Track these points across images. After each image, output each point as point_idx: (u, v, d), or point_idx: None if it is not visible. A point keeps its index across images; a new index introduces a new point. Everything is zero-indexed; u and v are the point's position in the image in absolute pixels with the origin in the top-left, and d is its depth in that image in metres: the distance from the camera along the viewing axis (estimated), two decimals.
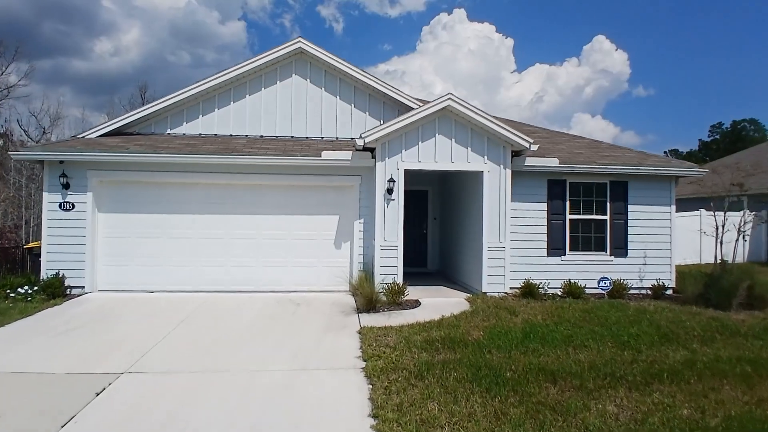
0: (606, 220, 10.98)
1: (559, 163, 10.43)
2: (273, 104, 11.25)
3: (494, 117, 9.71)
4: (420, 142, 9.80)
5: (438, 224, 14.10)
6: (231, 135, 11.17)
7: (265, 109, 11.25)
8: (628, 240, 11.01)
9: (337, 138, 11.36)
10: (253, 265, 10.24)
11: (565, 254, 10.76)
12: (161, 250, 10.13)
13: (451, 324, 7.39)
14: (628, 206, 11.04)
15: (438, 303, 9.15)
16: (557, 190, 10.76)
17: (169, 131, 11.12)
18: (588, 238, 10.96)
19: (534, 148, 9.74)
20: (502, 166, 9.98)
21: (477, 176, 10.19)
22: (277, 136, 11.25)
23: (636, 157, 11.54)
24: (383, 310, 8.49)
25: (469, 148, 9.91)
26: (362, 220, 10.21)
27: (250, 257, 10.24)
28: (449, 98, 9.55)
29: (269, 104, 11.25)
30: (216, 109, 11.15)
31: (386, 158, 9.72)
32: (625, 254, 10.99)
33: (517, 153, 10.12)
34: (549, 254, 10.68)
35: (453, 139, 9.88)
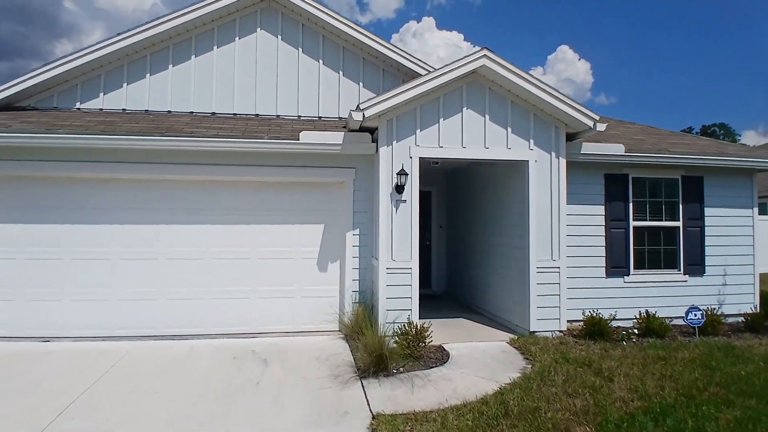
0: (678, 227, 8.31)
1: (626, 151, 7.69)
2: (230, 69, 8.12)
3: (544, 82, 6.87)
4: (441, 119, 6.87)
5: (445, 234, 11.19)
6: (170, 111, 7.98)
7: (220, 77, 8.11)
8: (705, 253, 8.37)
9: (319, 117, 8.32)
10: (200, 296, 7.07)
11: (629, 274, 8.01)
12: (61, 277, 6.85)
13: (522, 406, 4.45)
14: (705, 209, 8.40)
15: (474, 353, 6.22)
16: (617, 188, 8.02)
17: (79, 105, 7.84)
18: (656, 253, 8.25)
19: (600, 127, 6.95)
20: (553, 154, 7.15)
21: (517, 168, 7.34)
22: (235, 114, 8.12)
23: (712, 145, 8.95)
24: (399, 371, 5.50)
25: (509, 129, 7.04)
26: (357, 231, 7.20)
27: (196, 286, 7.06)
28: (484, 55, 6.66)
29: (225, 70, 8.12)
30: (148, 75, 7.94)
31: (394, 142, 6.74)
32: (701, 272, 8.33)
33: (570, 137, 7.33)
34: (609, 274, 7.91)
35: (487, 116, 6.99)
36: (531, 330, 6.93)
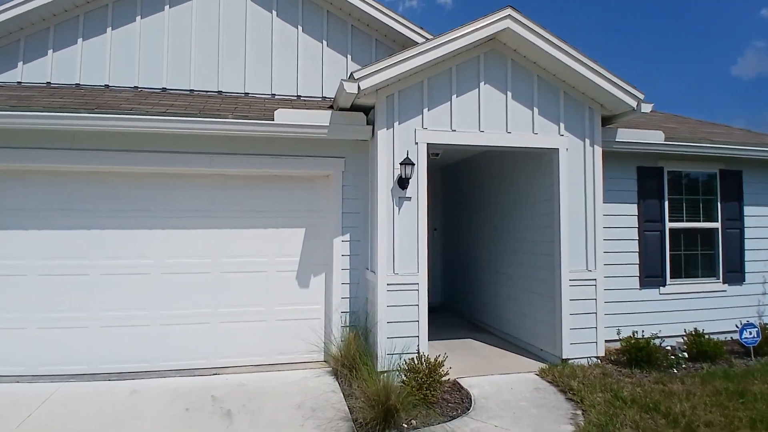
0: (716, 229, 7.19)
1: (665, 139, 6.50)
2: (185, 36, 6.55)
3: (578, 51, 5.58)
4: (454, 96, 5.49)
5: (440, 238, 9.84)
6: (107, 86, 6.35)
7: (172, 45, 6.52)
8: (745, 258, 7.28)
9: (298, 96, 6.83)
10: (145, 322, 5.48)
11: (665, 284, 6.83)
12: None
13: None
14: (744, 207, 7.31)
15: (501, 392, 4.87)
16: (651, 183, 6.83)
17: None
18: (693, 259, 7.11)
19: (646, 108, 5.71)
20: (587, 142, 5.88)
21: (541, 159, 6.04)
22: (193, 91, 6.56)
23: (749, 135, 7.88)
24: (410, 424, 4.10)
25: (535, 110, 5.72)
26: (347, 237, 5.76)
27: (141, 309, 5.47)
28: (508, 15, 5.32)
29: (179, 36, 6.54)
30: (80, 40, 6.29)
31: (395, 123, 5.33)
32: (741, 280, 7.24)
33: (604, 120, 6.07)
34: (643, 284, 6.72)
35: (509, 93, 5.65)
36: (563, 357, 5.63)
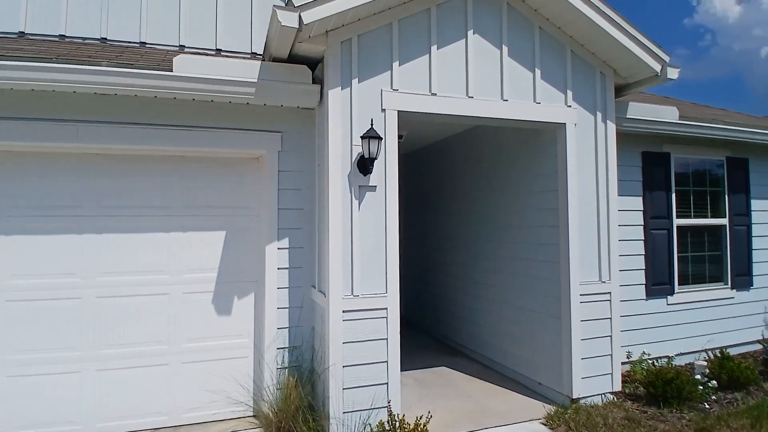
0: (724, 226, 6.17)
1: (680, 118, 5.35)
2: None
3: None
4: (434, 48, 3.98)
5: (402, 239, 8.35)
6: None
7: None
8: (753, 259, 6.33)
9: (218, 51, 5.08)
10: None
11: (673, 292, 5.71)
12: None
13: None
14: (751, 200, 6.35)
15: None
16: (658, 172, 5.68)
17: None
18: (700, 261, 6.05)
19: (672, 74, 4.47)
20: (599, 116, 4.57)
21: (542, 138, 4.69)
22: (64, 36, 4.65)
23: (751, 119, 6.95)
24: None
25: (538, 72, 4.33)
26: (286, 243, 4.14)
27: None
28: None
29: None
30: None
31: (354, 81, 3.74)
32: (749, 284, 6.28)
33: (615, 92, 4.80)
34: (649, 294, 5.55)
35: (504, 48, 4.22)
36: (573, 396, 4.29)
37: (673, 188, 5.76)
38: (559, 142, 4.45)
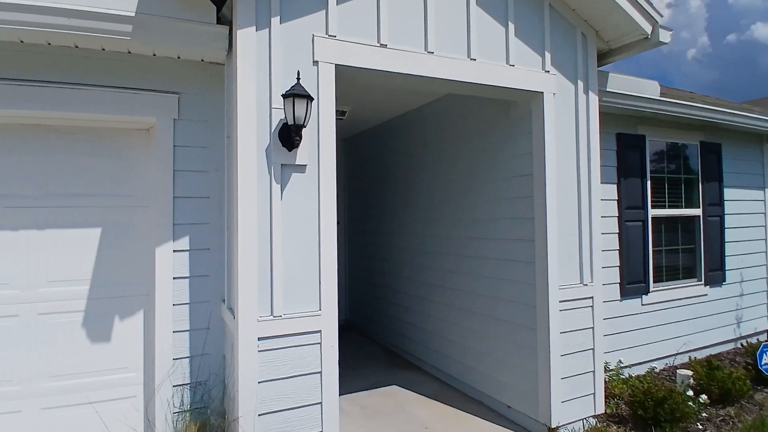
0: (698, 217, 5.66)
1: (661, 94, 4.71)
2: None
3: None
4: None
5: (345, 233, 7.41)
6: None
7: None
8: (726, 252, 5.87)
9: None
10: None
11: (647, 291, 5.12)
12: None
13: None
14: (724, 189, 5.89)
15: None
16: (633, 156, 5.05)
17: None
18: (673, 256, 5.51)
19: (664, 37, 3.75)
20: (580, 86, 3.80)
21: (515, 111, 3.87)
22: None
23: (727, 103, 6.48)
24: None
25: (512, 27, 3.47)
26: (185, 243, 3.08)
27: None
28: None
29: None
30: None
31: (274, 19, 2.72)
32: (721, 280, 5.82)
33: (597, 59, 4.04)
34: (624, 293, 4.91)
35: None
36: (552, 425, 3.52)
37: (648, 175, 5.15)
38: (535, 115, 3.64)
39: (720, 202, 5.82)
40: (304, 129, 2.65)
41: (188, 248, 3.09)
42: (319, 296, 2.74)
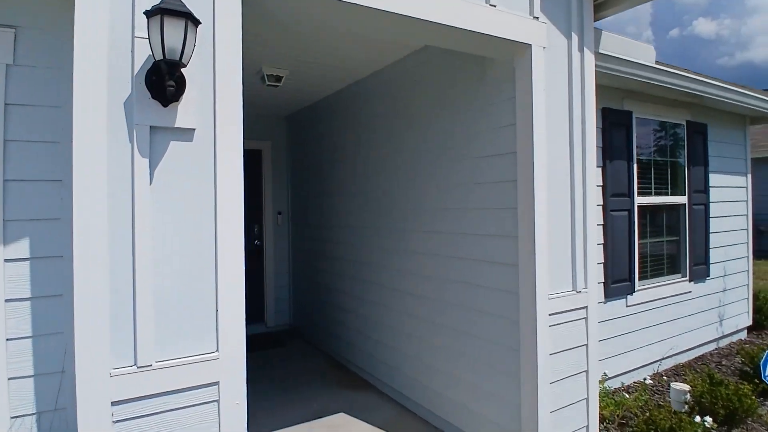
0: (683, 205, 5.08)
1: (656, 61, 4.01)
2: None
3: None
4: None
5: (290, 227, 6.44)
6: None
7: None
8: (710, 244, 5.34)
9: None
10: None
11: (633, 291, 4.47)
12: None
13: None
14: (709, 175, 5.34)
15: None
16: (619, 136, 4.36)
17: None
18: (657, 249, 4.91)
19: None
20: (574, 41, 2.99)
21: (494, 70, 3.03)
22: None
23: (709, 77, 5.93)
24: None
25: None
26: (23, 247, 2.06)
27: None
28: None
29: None
30: None
31: None
32: (705, 274, 5.29)
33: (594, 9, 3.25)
34: (608, 294, 4.23)
35: None
36: None
37: (635, 157, 4.48)
38: (520, 76, 2.82)
39: (705, 189, 5.26)
40: (186, 71, 1.69)
41: (28, 256, 2.08)
42: (217, 330, 1.81)
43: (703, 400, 3.58)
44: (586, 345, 3.03)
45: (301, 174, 6.04)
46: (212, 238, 1.81)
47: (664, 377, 4.62)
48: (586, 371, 3.02)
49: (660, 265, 4.88)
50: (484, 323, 3.08)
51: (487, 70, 3.06)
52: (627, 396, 3.86)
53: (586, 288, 3.01)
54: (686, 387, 3.78)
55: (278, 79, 4.06)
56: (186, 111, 1.77)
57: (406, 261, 3.90)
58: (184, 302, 1.76)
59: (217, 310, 1.80)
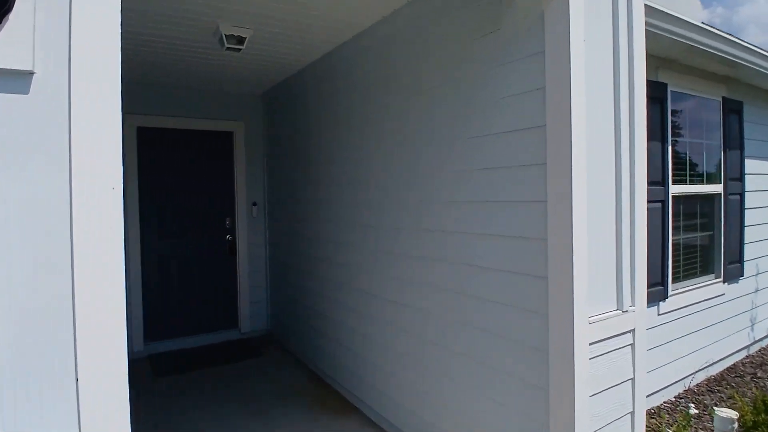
0: (718, 195, 4.39)
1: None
2: None
3: None
4: None
5: (266, 219, 5.68)
6: None
7: None
8: (744, 239, 4.67)
9: None
10: None
11: (666, 296, 3.79)
12: None
13: None
14: (744, 160, 4.65)
15: None
16: (653, 112, 3.61)
17: None
18: (690, 246, 4.23)
19: None
20: None
21: (513, 18, 2.28)
22: None
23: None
24: None
25: None
26: None
27: None
28: None
29: None
30: None
31: None
32: (739, 274, 4.64)
33: None
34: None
35: None
36: None
37: (669, 138, 3.77)
38: (551, 21, 2.07)
39: (741, 177, 4.59)
40: None
41: None
42: (78, 399, 1.08)
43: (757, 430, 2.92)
44: (633, 379, 2.34)
45: (280, 159, 5.28)
46: (66, 245, 1.07)
47: (697, 394, 4.00)
48: (632, 412, 2.33)
49: (692, 265, 4.22)
50: (500, 351, 2.37)
51: (504, 17, 2.31)
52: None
53: (633, 306, 2.30)
54: (733, 414, 3.12)
55: (240, 40, 3.29)
56: (13, 42, 1.01)
57: (398, 265, 3.17)
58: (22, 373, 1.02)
59: (76, 362, 1.07)
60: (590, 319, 2.10)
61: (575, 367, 2.03)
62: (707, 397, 3.98)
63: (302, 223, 4.67)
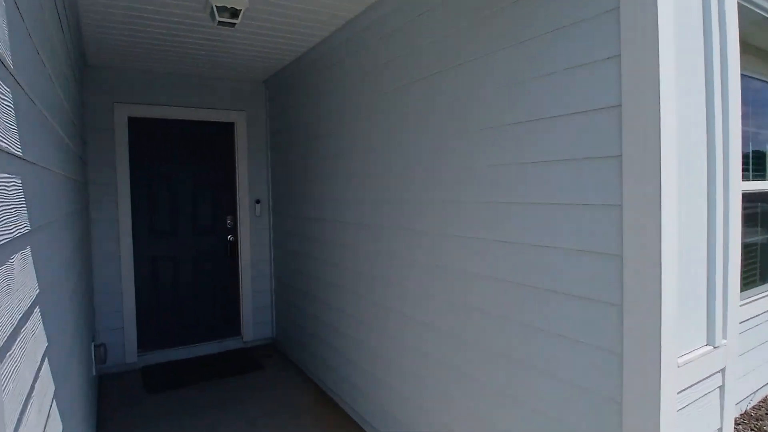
0: None
1: None
2: None
3: None
4: None
5: (270, 217, 5.22)
6: None
7: None
8: None
9: None
10: None
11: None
12: None
13: None
14: None
15: None
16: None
17: None
18: (751, 250, 3.71)
19: None
20: None
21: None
22: None
23: None
24: None
25: None
26: None
27: None
28: None
29: None
30: None
31: None
32: None
33: None
34: None
35: None
36: None
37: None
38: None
39: None
40: None
41: None
42: None
43: None
44: (720, 429, 1.85)
45: (286, 153, 4.80)
46: None
47: (755, 419, 3.50)
48: None
49: (754, 271, 3.70)
50: (552, 394, 1.89)
51: None
52: None
53: (725, 339, 1.81)
54: None
55: (234, 14, 2.81)
56: None
57: (421, 276, 2.69)
58: None
59: None
60: (679, 360, 1.61)
61: (661, 422, 1.55)
62: (764, 421, 3.49)
63: (310, 224, 4.21)
